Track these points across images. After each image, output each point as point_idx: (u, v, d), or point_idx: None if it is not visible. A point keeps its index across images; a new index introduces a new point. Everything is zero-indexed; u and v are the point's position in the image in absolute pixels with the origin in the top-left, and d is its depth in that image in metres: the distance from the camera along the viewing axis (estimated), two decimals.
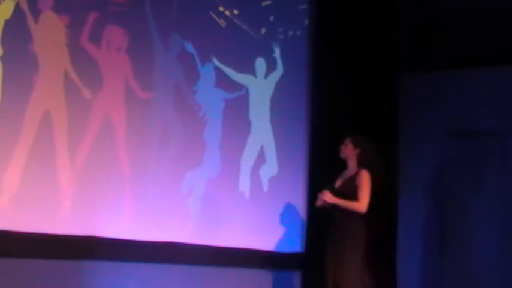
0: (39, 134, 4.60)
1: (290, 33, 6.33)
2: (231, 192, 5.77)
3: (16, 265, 4.36)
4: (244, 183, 5.88)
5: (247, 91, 6.02)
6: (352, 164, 4.96)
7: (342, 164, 5.08)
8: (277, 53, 6.24)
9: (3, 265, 4.29)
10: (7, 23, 4.50)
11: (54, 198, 4.66)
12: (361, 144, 4.95)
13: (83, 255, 4.69)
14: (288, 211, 6.08)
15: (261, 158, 6.05)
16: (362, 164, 4.91)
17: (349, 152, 4.96)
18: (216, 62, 5.76)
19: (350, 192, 4.82)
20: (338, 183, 4.98)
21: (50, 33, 4.72)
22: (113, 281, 4.79)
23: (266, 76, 6.19)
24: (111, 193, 4.93)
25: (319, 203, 4.92)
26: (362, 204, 4.78)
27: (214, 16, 5.77)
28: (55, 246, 4.54)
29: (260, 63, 6.13)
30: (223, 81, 5.81)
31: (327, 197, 4.83)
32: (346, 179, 4.94)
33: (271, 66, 6.21)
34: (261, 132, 6.06)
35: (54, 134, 4.70)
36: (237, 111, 5.91)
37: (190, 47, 5.58)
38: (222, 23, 5.82)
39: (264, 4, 6.17)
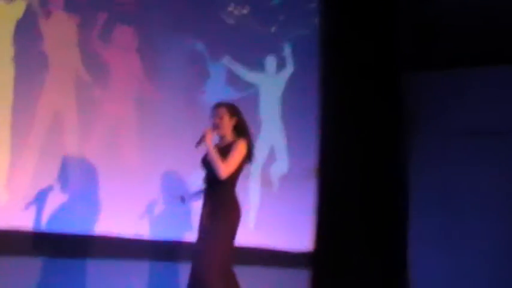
0: (50, 133, 4.63)
1: (300, 31, 6.33)
2: (241, 191, 5.75)
3: (31, 263, 4.42)
4: (255, 182, 5.88)
5: (257, 89, 6.02)
6: (228, 136, 4.25)
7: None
8: (287, 51, 6.23)
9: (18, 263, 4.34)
10: (18, 23, 4.54)
11: (65, 197, 4.68)
12: (237, 113, 4.29)
13: (87, 254, 4.73)
14: (298, 209, 6.07)
15: (271, 156, 6.05)
16: (240, 133, 4.24)
17: (226, 123, 4.23)
18: (226, 61, 5.77)
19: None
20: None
21: (60, 33, 4.76)
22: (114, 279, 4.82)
23: (276, 74, 6.19)
24: (119, 191, 4.94)
25: (198, 142, 4.15)
26: (226, 167, 4.05)
27: (224, 15, 5.78)
28: (70, 245, 4.59)
29: (270, 62, 6.14)
30: (233, 80, 5.82)
31: (208, 138, 4.11)
32: (220, 147, 4.21)
33: (281, 65, 6.21)
34: (272, 130, 6.06)
35: (64, 133, 4.73)
36: (248, 109, 5.87)
37: (200, 46, 5.59)
38: (232, 22, 5.83)
39: (273, 3, 6.17)
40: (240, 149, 4.13)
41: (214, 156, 4.06)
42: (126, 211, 4.96)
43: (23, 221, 4.45)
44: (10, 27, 4.52)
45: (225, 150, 4.13)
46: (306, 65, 6.35)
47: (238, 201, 4.16)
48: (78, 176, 4.76)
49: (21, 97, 4.52)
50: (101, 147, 4.90)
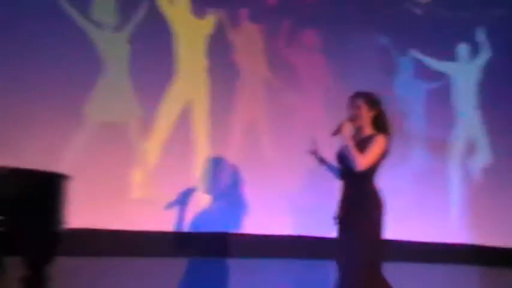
0: (246, 139, 4.84)
1: (495, 12, 5.91)
2: (438, 187, 5.52)
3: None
4: (454, 177, 5.60)
5: (450, 79, 5.74)
6: (365, 128, 3.88)
7: None
8: (481, 36, 5.86)
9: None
10: (210, 36, 4.82)
11: (267, 198, 4.81)
12: (377, 104, 3.90)
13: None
14: (504, 204, 5.66)
15: (470, 148, 5.72)
16: (379, 126, 3.88)
17: (364, 114, 3.85)
18: (414, 53, 5.58)
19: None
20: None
21: (248, 42, 4.95)
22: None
23: (470, 62, 5.85)
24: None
25: (334, 131, 3.78)
26: (364, 160, 3.70)
27: (409, 6, 5.60)
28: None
29: (462, 49, 5.81)
30: (423, 71, 5.61)
31: (346, 128, 3.76)
32: (357, 140, 3.85)
33: (475, 51, 5.85)
34: (468, 121, 5.74)
35: (259, 138, 4.90)
36: (441, 100, 5.66)
37: (385, 41, 5.47)
38: (418, 11, 5.62)
39: None
40: (380, 144, 3.76)
41: (352, 148, 3.70)
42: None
43: (226, 223, 4.67)
44: (203, 41, 4.81)
45: (361, 144, 3.77)
46: (503, 49, 5.91)
47: (380, 196, 3.78)
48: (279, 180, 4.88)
49: (218, 106, 4.79)
50: (297, 150, 4.99)
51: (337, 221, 3.81)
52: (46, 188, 3.18)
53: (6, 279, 3.30)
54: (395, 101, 5.46)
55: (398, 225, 5.26)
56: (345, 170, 3.82)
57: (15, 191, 2.99)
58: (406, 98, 5.52)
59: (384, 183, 3.83)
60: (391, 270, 4.68)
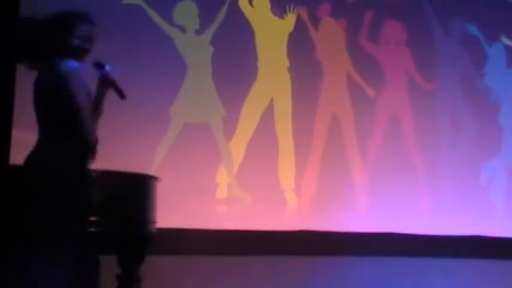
0: (330, 137, 4.80)
1: None
2: None
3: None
4: None
5: None
6: None
7: None
8: None
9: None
10: (291, 35, 4.81)
11: (350, 197, 4.79)
12: None
13: (380, 252, 4.72)
14: None
15: None
16: None
17: None
18: (506, 41, 5.35)
19: None
20: None
21: (330, 38, 4.92)
22: (416, 276, 4.73)
23: None
24: (405, 188, 4.89)
25: None
26: None
27: None
28: (349, 243, 4.65)
29: None
30: None
31: None
32: None
33: None
34: None
35: (343, 135, 4.86)
36: None
37: (474, 29, 5.28)
38: None
39: None
40: None
41: None
42: (414, 207, 4.87)
43: (312, 222, 4.65)
44: (284, 40, 4.81)
45: None
46: None
47: None
48: (362, 174, 4.83)
49: (300, 105, 4.78)
50: (380, 144, 4.92)
51: None
52: (136, 190, 3.27)
53: (102, 277, 3.43)
54: (486, 92, 5.27)
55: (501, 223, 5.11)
56: None
57: (107, 192, 3.08)
58: (497, 88, 5.31)
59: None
60: None
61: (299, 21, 4.87)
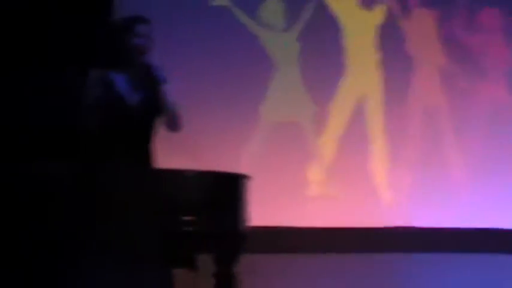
0: (424, 131, 4.69)
1: None
2: None
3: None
4: None
5: None
6: None
7: None
8: None
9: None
10: (380, 28, 4.72)
11: (448, 191, 4.66)
12: None
13: (483, 248, 4.56)
14: None
15: None
16: None
17: None
18: None
19: None
20: None
21: (422, 30, 4.79)
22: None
23: None
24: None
25: None
26: None
27: None
28: (448, 239, 4.53)
29: None
30: None
31: None
32: None
33: None
34: None
35: (438, 129, 4.73)
36: None
37: None
38: None
39: None
40: None
41: None
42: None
43: (408, 218, 4.56)
44: (373, 33, 4.73)
45: None
46: None
47: None
48: (459, 168, 4.69)
49: (391, 99, 4.69)
50: (480, 138, 4.76)
51: None
52: (229, 189, 3.31)
53: (199, 276, 3.49)
54: None
55: None
56: None
57: (201, 192, 3.13)
58: None
59: None
60: None
61: (388, 12, 4.77)
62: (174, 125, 2.83)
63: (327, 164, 4.60)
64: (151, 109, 2.77)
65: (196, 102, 4.41)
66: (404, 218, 4.58)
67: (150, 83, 2.76)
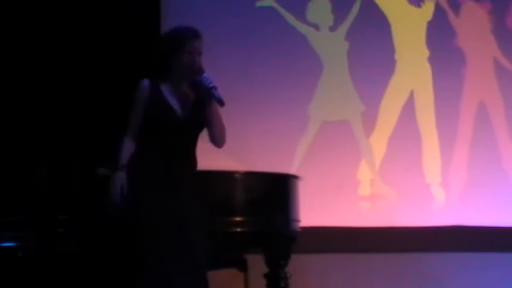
0: (478, 126, 4.59)
1: None
2: None
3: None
4: None
5: None
6: None
7: None
8: None
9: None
10: (429, 24, 4.65)
11: (503, 190, 4.54)
12: None
13: None
14: None
15: None
16: None
17: None
18: None
19: None
20: None
21: (472, 23, 4.70)
22: None
23: None
24: None
25: None
26: None
27: None
28: (506, 238, 4.43)
29: None
30: None
31: None
32: None
33: None
34: None
35: (492, 124, 4.62)
36: None
37: None
38: None
39: None
40: None
41: None
42: None
43: (462, 218, 4.47)
44: (422, 30, 4.66)
45: None
46: None
47: None
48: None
49: (442, 95, 4.60)
50: None
51: None
52: (279, 189, 3.32)
53: (249, 275, 3.51)
54: None
55: None
56: None
57: (251, 193, 3.15)
58: None
59: None
60: None
61: (437, 8, 4.69)
62: (217, 141, 2.74)
63: (378, 163, 4.56)
64: (196, 125, 2.71)
65: (244, 102, 4.44)
66: (457, 217, 4.48)
67: (200, 102, 2.70)
